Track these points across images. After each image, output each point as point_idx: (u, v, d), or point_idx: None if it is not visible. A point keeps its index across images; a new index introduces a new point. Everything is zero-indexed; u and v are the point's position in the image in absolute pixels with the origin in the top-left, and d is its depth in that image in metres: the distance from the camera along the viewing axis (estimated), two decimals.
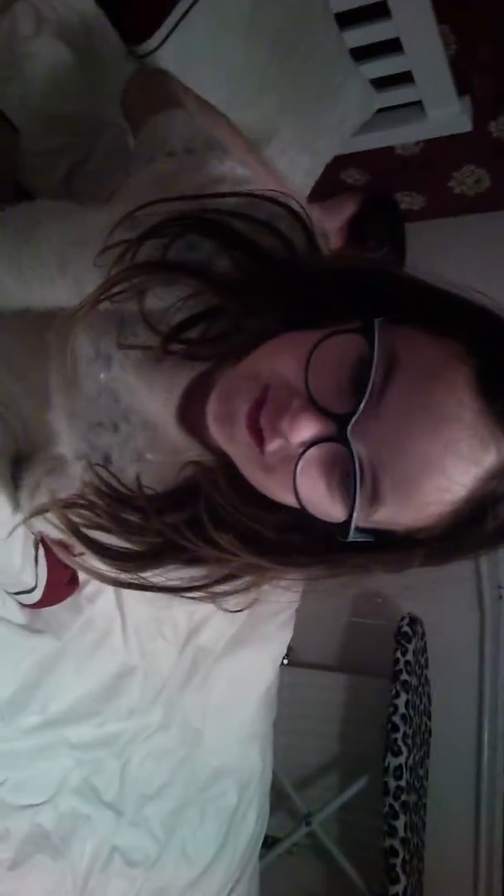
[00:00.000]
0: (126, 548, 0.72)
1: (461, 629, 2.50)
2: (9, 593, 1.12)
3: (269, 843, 2.37)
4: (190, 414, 0.70)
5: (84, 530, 0.73)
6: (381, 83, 2.00)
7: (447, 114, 2.04)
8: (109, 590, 1.29)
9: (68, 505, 0.74)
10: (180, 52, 1.46)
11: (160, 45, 1.44)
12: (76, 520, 0.73)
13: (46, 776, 1.26)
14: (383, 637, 2.38)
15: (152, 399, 0.72)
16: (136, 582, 0.72)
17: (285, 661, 2.60)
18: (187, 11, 1.45)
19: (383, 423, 0.52)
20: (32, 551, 1.06)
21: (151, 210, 0.70)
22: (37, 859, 1.22)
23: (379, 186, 2.50)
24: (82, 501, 0.74)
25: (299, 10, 1.66)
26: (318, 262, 0.68)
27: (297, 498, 0.56)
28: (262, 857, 2.09)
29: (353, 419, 0.52)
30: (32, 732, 1.21)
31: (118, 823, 1.38)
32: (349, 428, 0.52)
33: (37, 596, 1.11)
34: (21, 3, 1.25)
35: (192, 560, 0.70)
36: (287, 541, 0.63)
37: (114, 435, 0.77)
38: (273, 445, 0.55)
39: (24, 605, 1.16)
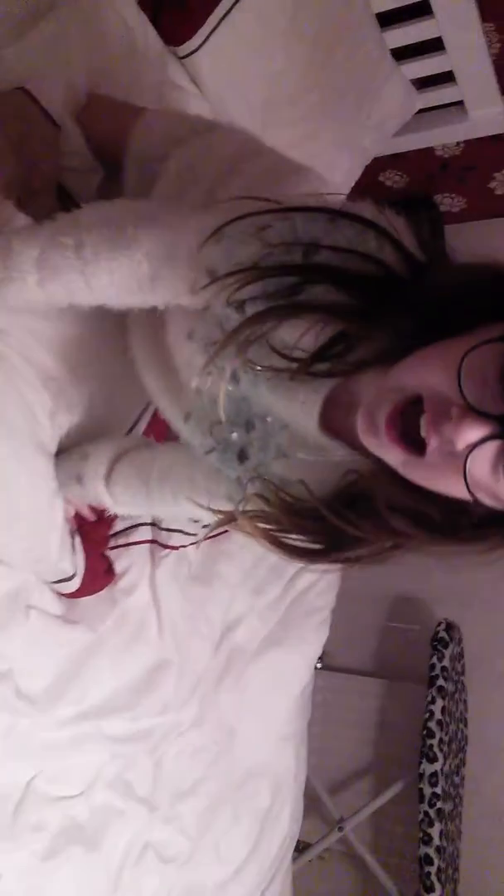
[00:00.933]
0: (303, 545, 0.80)
1: (499, 635, 2.46)
2: (47, 582, 1.13)
3: (300, 847, 2.35)
4: (333, 420, 0.75)
5: (272, 533, 0.81)
6: (422, 83, 1.99)
7: (489, 114, 2.02)
8: (145, 583, 1.30)
9: (252, 516, 0.82)
10: (222, 51, 1.47)
11: (202, 44, 1.46)
12: (261, 525, 0.81)
13: (81, 769, 1.26)
14: (419, 642, 2.35)
15: (291, 410, 0.77)
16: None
17: (319, 665, 2.59)
18: (229, 11, 1.46)
19: None
20: (69, 540, 1.08)
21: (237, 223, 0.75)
22: (70, 851, 1.23)
23: (418, 188, 2.49)
24: (262, 512, 0.82)
25: (340, 10, 1.66)
26: (430, 278, 0.72)
27: (469, 490, 0.61)
28: (293, 861, 2.08)
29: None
30: (68, 724, 1.21)
31: (151, 819, 1.38)
32: None
33: (76, 584, 1.13)
34: (65, 6, 1.27)
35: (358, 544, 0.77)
36: (455, 520, 0.69)
37: (247, 433, 0.83)
38: (436, 447, 0.61)
39: (61, 595, 1.17)
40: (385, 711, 2.51)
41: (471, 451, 0.59)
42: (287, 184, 0.94)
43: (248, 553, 1.55)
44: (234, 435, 0.84)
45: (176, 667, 1.37)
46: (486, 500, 0.62)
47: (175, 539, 1.35)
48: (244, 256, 0.73)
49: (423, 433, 0.61)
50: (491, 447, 0.59)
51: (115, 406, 1.16)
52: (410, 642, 2.47)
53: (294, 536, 0.80)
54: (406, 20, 1.80)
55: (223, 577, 1.49)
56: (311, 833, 2.38)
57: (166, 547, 1.34)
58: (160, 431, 1.22)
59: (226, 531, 1.43)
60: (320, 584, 1.74)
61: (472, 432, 0.58)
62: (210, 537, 1.43)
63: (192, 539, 1.37)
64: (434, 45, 1.85)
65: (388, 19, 1.80)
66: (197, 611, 1.41)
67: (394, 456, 0.64)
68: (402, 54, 1.89)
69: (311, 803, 2.34)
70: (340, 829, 2.33)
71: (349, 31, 1.71)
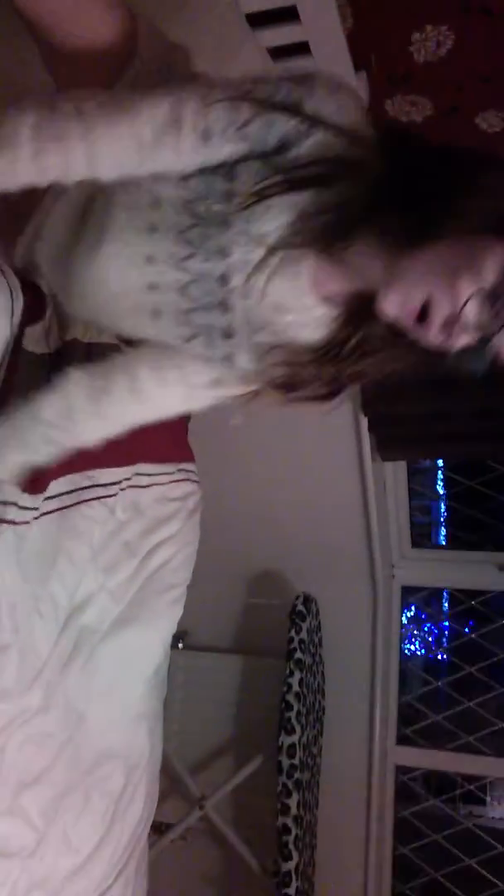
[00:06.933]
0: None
1: (354, 608, 2.52)
2: None
3: (162, 829, 2.33)
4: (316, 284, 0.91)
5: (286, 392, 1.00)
6: (277, 52, 1.97)
7: None
8: None
9: (273, 385, 1.00)
10: None
11: None
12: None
13: None
14: (278, 617, 2.37)
15: (284, 280, 0.89)
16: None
17: (181, 646, 2.56)
18: None
19: None
20: None
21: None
22: None
23: None
24: (278, 379, 0.98)
25: None
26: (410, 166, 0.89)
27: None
28: (154, 843, 2.05)
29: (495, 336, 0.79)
30: None
31: None
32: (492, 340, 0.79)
33: None
34: None
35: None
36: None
37: (223, 315, 0.92)
38: (435, 334, 0.81)
39: None
40: (245, 688, 2.52)
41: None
42: None
43: (97, 529, 1.48)
44: (213, 317, 0.92)
45: (15, 650, 1.29)
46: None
47: (11, 513, 1.26)
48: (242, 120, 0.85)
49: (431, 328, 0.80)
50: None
51: None
52: (269, 617, 2.49)
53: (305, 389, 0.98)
54: None
55: (69, 555, 1.41)
56: (174, 814, 2.36)
57: (2, 522, 1.25)
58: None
59: (71, 505, 1.37)
60: (175, 560, 1.69)
61: (464, 340, 0.79)
62: (50, 511, 1.35)
63: (32, 514, 1.29)
64: (291, 14, 1.83)
65: None
66: (39, 590, 1.34)
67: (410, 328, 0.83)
68: (258, 21, 1.86)
69: (173, 784, 2.32)
70: (201, 807, 2.33)
71: None
